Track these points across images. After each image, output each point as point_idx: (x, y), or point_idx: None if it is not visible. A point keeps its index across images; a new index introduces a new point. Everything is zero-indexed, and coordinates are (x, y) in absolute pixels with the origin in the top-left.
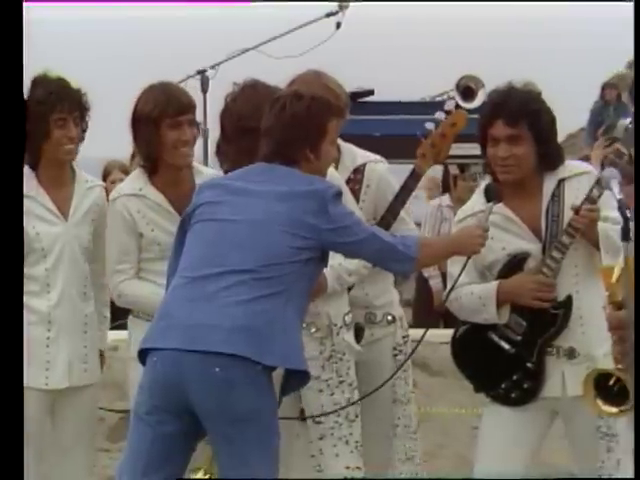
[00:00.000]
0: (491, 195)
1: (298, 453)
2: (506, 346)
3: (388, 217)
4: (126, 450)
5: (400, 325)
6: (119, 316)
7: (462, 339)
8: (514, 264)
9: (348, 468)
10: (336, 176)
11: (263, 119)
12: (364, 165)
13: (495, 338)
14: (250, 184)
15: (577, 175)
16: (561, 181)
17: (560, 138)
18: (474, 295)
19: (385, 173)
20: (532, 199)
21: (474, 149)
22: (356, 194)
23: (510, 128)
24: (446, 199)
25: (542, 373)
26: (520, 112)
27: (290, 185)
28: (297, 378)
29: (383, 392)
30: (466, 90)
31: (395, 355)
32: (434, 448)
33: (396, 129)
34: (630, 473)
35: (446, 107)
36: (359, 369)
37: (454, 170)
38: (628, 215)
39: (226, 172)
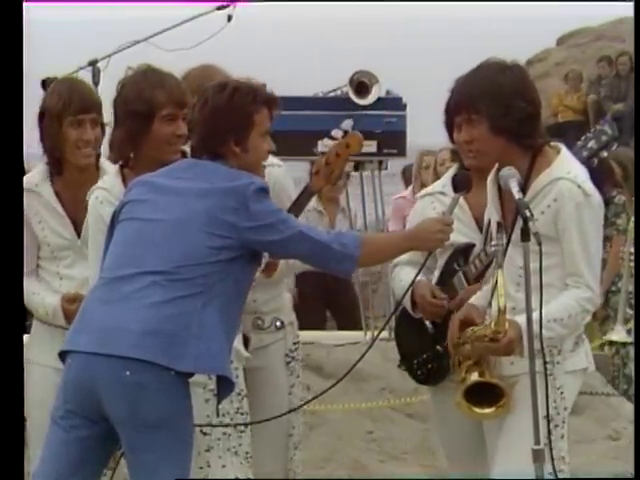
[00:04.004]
0: (457, 184)
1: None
2: (429, 325)
3: None
4: (41, 455)
5: (291, 331)
6: None
7: (403, 312)
8: (460, 252)
9: None
10: (275, 174)
11: (190, 113)
12: (263, 167)
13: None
14: (174, 181)
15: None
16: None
17: None
18: (403, 283)
19: (281, 177)
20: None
21: (368, 147)
22: None
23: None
24: (312, 203)
25: (449, 359)
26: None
27: (212, 182)
28: (224, 384)
29: (280, 401)
30: (359, 86)
31: (288, 362)
32: (328, 453)
33: (288, 124)
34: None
35: (343, 126)
36: (249, 376)
37: (348, 168)
38: (527, 215)
39: (115, 161)
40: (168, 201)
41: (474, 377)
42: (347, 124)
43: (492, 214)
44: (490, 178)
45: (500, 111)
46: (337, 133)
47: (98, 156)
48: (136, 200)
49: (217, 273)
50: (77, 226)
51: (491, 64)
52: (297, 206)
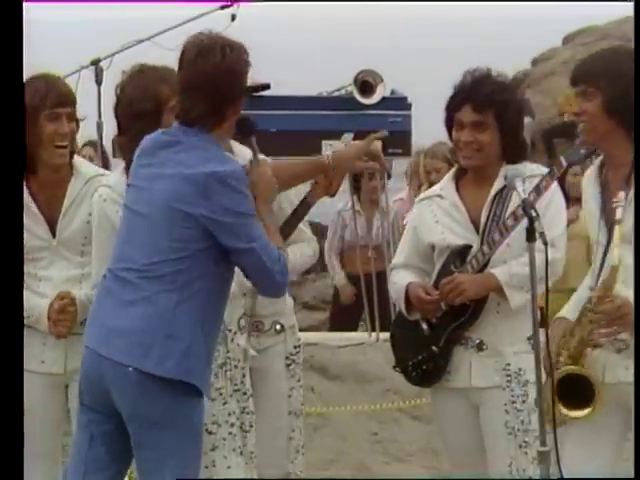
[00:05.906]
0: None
1: None
2: (424, 326)
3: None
4: (71, 451)
5: (291, 334)
6: None
7: (399, 315)
8: (456, 254)
9: None
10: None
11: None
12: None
13: (419, 317)
14: (152, 159)
15: (532, 176)
16: None
17: None
18: (397, 286)
19: None
20: (485, 190)
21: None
22: None
23: (477, 114)
24: (349, 203)
25: (445, 360)
26: (489, 100)
27: (175, 167)
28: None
29: (280, 404)
30: (364, 85)
31: (288, 365)
32: (333, 455)
33: (293, 124)
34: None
35: (343, 139)
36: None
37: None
38: (533, 215)
39: (127, 164)
40: (143, 189)
41: (566, 368)
42: (346, 138)
43: (592, 208)
44: (591, 174)
45: (618, 92)
46: (340, 144)
47: (72, 154)
48: (130, 185)
49: (188, 270)
50: (52, 226)
51: (620, 49)
52: (295, 217)
